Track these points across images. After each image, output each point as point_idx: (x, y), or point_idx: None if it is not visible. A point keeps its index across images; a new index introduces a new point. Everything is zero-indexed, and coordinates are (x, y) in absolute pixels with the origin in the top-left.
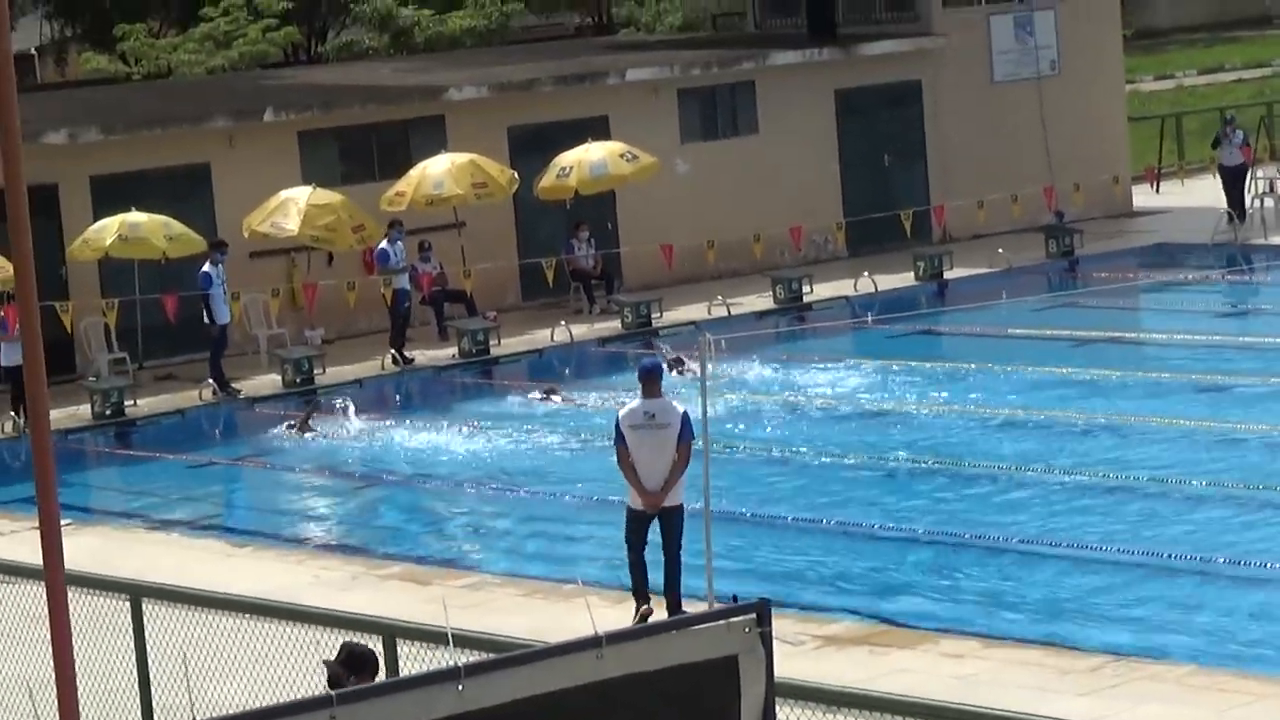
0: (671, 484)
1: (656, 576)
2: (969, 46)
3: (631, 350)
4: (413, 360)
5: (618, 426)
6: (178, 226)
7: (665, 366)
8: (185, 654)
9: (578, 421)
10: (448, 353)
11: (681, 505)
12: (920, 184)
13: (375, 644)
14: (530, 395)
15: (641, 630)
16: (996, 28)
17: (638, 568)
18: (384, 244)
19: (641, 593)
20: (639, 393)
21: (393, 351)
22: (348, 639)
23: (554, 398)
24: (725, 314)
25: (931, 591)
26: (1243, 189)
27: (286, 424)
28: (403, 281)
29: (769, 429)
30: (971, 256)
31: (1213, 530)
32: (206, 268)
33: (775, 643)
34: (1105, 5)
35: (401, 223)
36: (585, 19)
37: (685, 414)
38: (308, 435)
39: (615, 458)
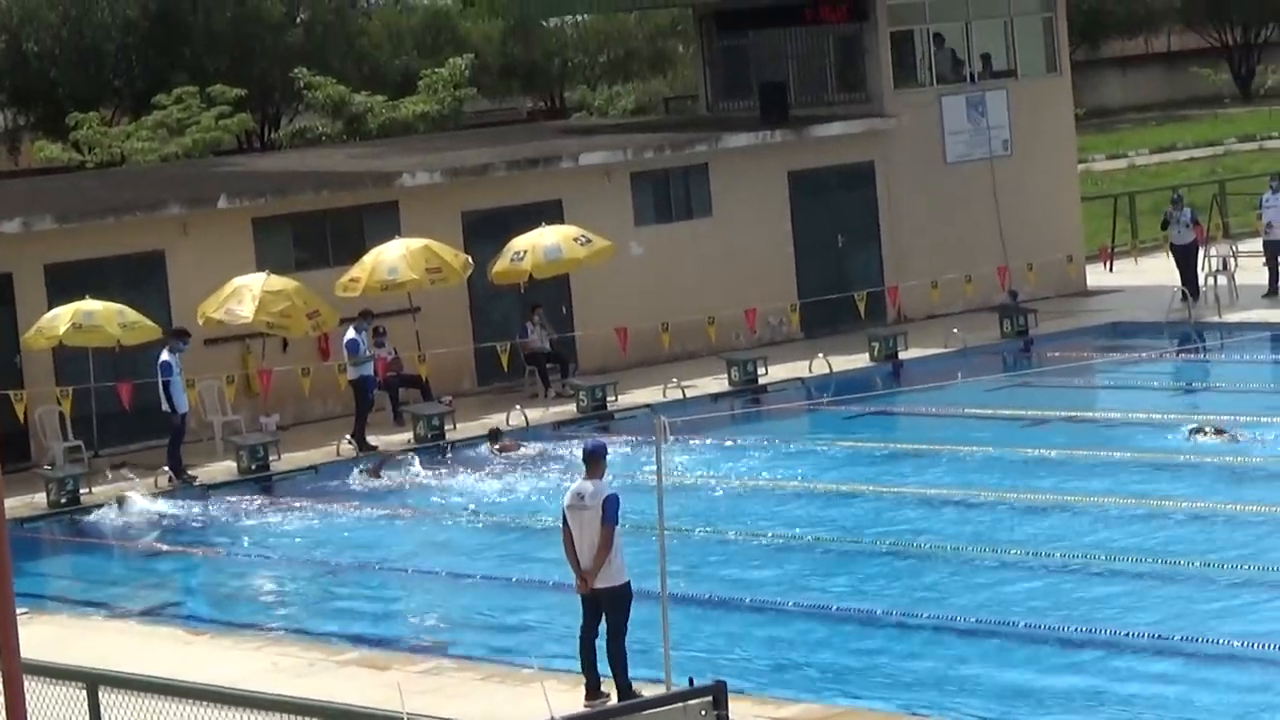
0: (596, 566)
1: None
2: (921, 127)
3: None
4: (375, 448)
5: (563, 508)
6: (132, 314)
7: (494, 448)
8: None
9: (530, 503)
10: (403, 438)
11: (617, 587)
12: (874, 265)
13: None
14: (481, 448)
15: (596, 715)
16: (948, 108)
17: (582, 651)
18: (352, 333)
19: (590, 677)
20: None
21: (351, 438)
22: None
23: (504, 448)
24: (680, 396)
25: (889, 672)
26: (1195, 267)
27: (360, 469)
28: (369, 369)
29: (723, 510)
30: (926, 337)
31: (1175, 608)
32: (166, 356)
33: None
34: (1057, 85)
35: (371, 313)
36: (538, 103)
37: (611, 497)
38: (381, 480)
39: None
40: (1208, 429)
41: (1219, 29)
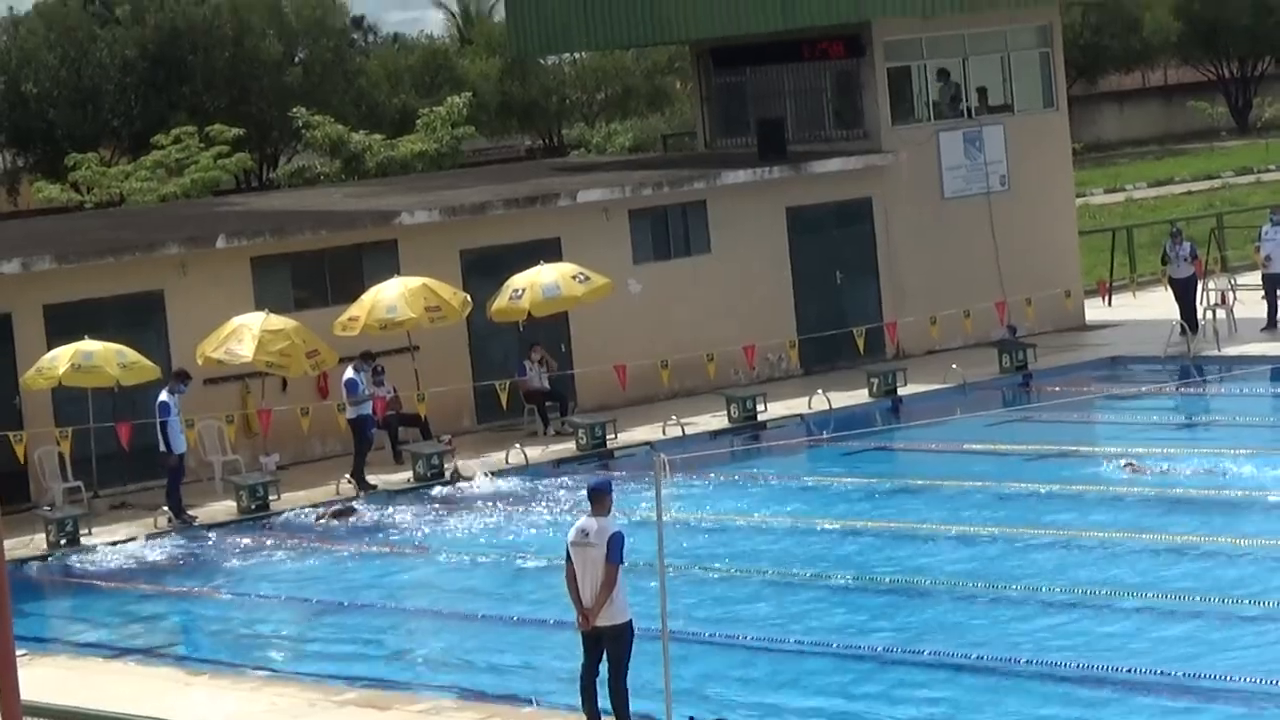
0: (599, 604)
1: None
2: (919, 163)
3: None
4: (375, 487)
5: (567, 544)
6: (131, 354)
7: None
8: None
9: (521, 542)
10: (403, 477)
11: (619, 625)
12: (873, 300)
13: None
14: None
15: None
16: (946, 144)
17: (583, 689)
18: (351, 373)
19: (591, 714)
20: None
21: (351, 478)
22: None
23: (344, 518)
24: (680, 434)
25: (889, 709)
26: (1194, 301)
27: (321, 514)
28: (368, 409)
29: (724, 548)
30: (925, 373)
31: (1181, 646)
32: (164, 396)
33: None
34: (1054, 120)
35: (371, 354)
36: (536, 141)
37: (616, 534)
38: (350, 520)
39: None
40: (1125, 461)
41: (1215, 63)
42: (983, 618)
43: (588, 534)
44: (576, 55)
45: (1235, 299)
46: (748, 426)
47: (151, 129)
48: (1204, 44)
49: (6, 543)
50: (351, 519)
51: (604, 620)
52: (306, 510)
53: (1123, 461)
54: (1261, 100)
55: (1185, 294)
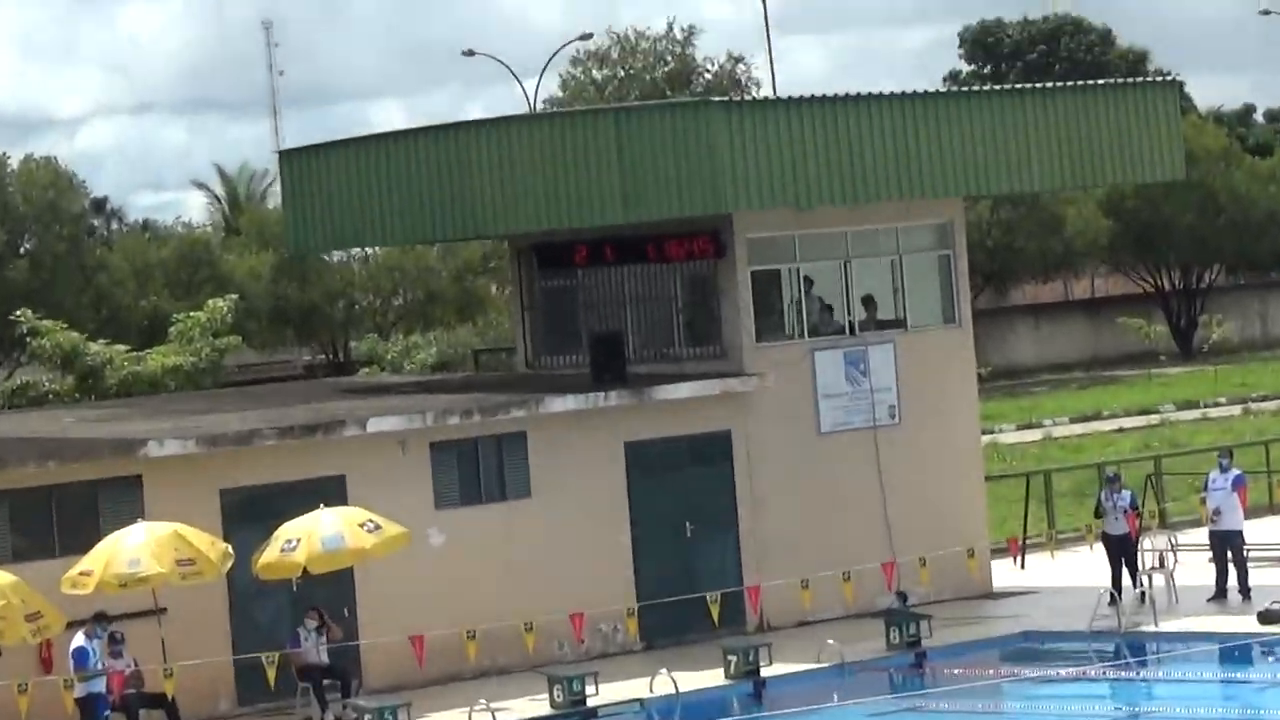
0: None
1: None
2: (789, 390)
3: None
4: None
5: None
6: None
7: None
8: None
9: None
10: None
11: None
12: (731, 559)
13: None
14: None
15: None
16: (822, 366)
17: None
18: (82, 640)
19: None
20: None
21: None
22: None
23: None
24: None
25: None
26: (1135, 561)
27: None
28: (99, 685)
29: None
30: (795, 649)
31: None
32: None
33: None
34: (955, 339)
35: (107, 615)
36: (317, 356)
37: None
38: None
39: None
40: None
41: (1152, 272)
42: None
43: None
44: (368, 250)
45: (1176, 561)
46: (574, 713)
47: None
48: (1139, 248)
49: None
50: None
51: None
52: None
53: None
54: (1209, 318)
55: (1123, 553)
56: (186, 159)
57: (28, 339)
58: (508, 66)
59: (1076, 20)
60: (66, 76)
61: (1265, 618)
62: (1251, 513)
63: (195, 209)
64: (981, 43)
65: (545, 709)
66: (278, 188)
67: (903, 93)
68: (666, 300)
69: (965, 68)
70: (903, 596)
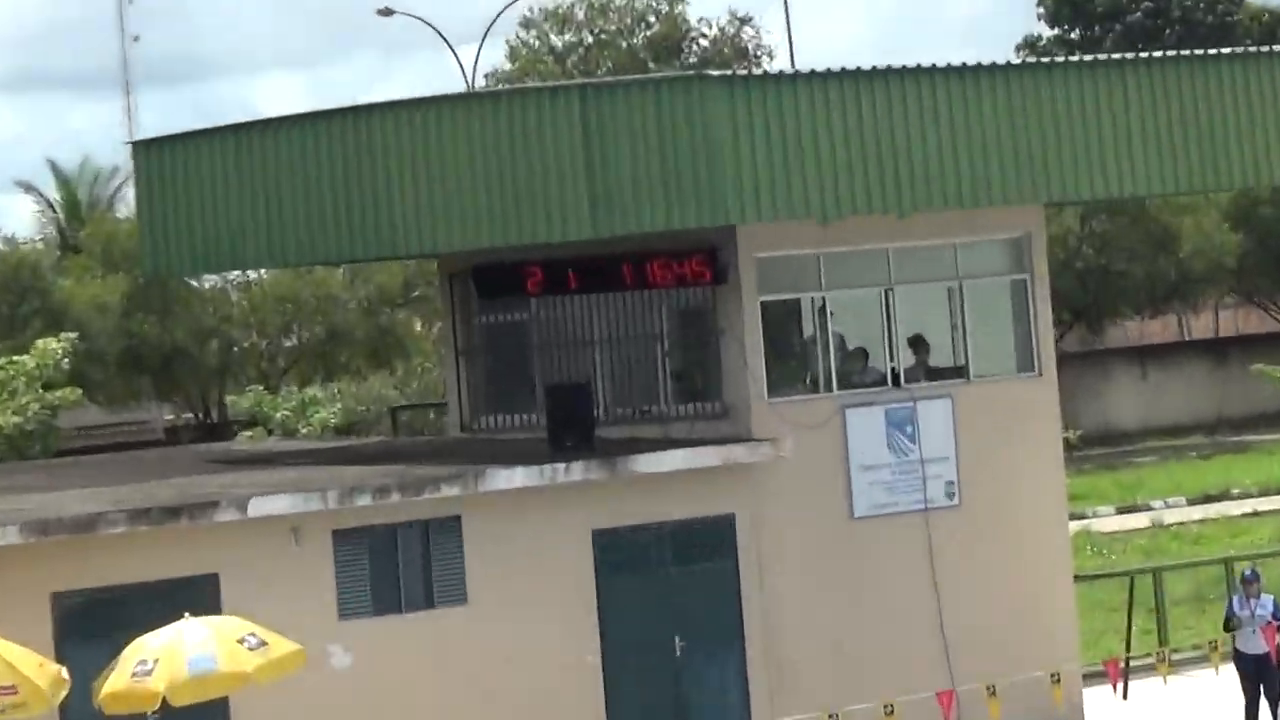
0: None
1: None
2: (812, 461)
3: None
4: None
5: None
6: None
7: None
8: None
9: None
10: None
11: None
12: (735, 686)
13: None
14: None
15: None
16: (856, 429)
17: None
18: None
19: None
20: None
21: None
22: None
23: None
24: None
25: None
26: (1273, 690)
27: None
28: None
29: None
30: None
31: None
32: None
33: None
34: (1034, 393)
35: None
36: (182, 414)
37: None
38: None
39: None
40: None
41: None
42: None
43: None
44: (252, 273)
45: None
46: None
47: None
48: (1278, 271)
49: None
50: None
51: None
52: None
53: None
54: None
55: (1262, 678)
56: (10, 152)
57: None
58: (437, 30)
59: None
60: None
61: None
62: None
63: (21, 219)
64: None
65: None
66: (130, 191)
67: (963, 65)
68: (649, 341)
69: (1047, 32)
70: None
